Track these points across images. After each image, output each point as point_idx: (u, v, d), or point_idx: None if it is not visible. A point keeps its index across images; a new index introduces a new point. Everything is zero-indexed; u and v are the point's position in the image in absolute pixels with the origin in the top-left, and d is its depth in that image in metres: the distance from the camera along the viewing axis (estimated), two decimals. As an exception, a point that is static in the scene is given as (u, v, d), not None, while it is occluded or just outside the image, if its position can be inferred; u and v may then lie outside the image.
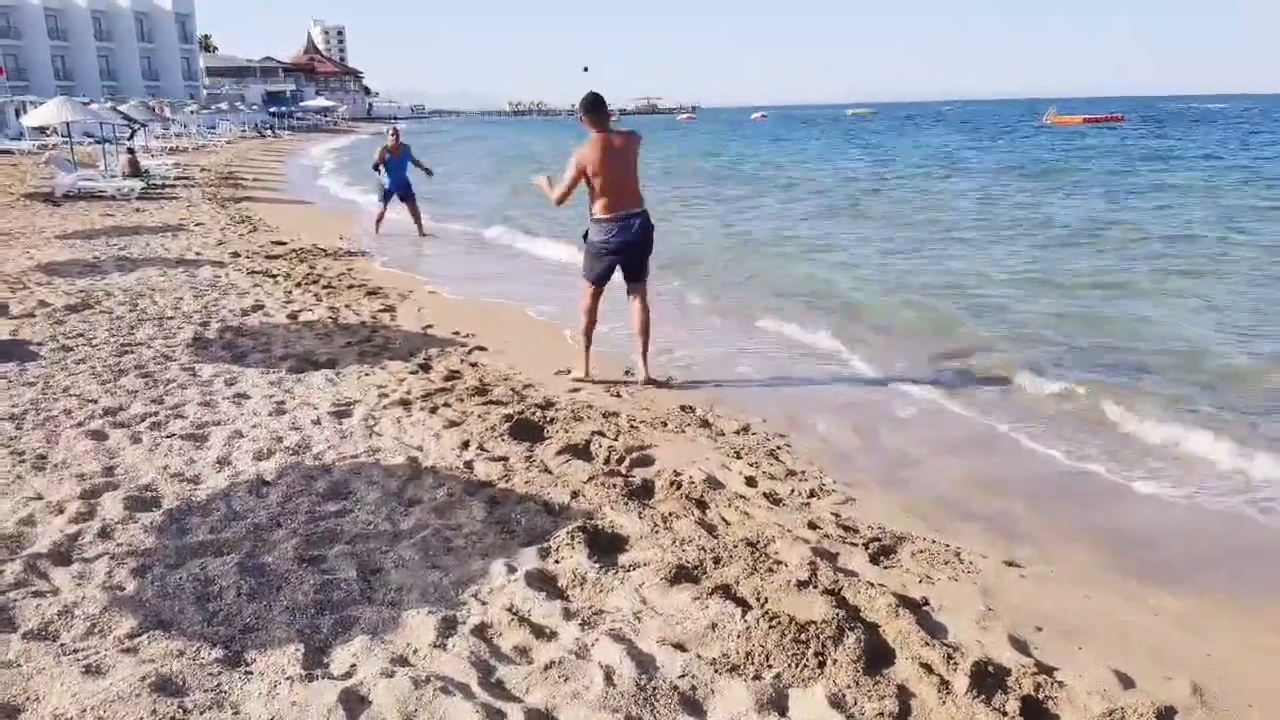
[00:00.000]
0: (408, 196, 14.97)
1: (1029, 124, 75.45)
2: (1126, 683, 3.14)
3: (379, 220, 15.12)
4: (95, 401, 5.91)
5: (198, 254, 12.50)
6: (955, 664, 3.14)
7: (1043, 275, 11.53)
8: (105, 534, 4.01)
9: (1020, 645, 3.36)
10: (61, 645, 3.14)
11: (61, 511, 4.23)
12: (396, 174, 14.77)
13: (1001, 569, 4.00)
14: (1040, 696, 3.02)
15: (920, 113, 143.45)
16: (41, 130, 35.08)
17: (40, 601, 3.40)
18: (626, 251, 6.52)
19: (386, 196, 14.93)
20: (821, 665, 3.11)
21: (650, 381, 6.73)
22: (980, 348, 7.97)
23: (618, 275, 6.65)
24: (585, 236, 6.60)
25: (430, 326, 8.52)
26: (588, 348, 6.82)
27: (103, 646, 3.14)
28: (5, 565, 3.67)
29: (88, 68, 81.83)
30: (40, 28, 79.03)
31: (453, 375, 6.84)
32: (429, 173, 15.40)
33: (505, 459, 5.07)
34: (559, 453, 5.17)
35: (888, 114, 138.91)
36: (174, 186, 23.24)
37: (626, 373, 6.95)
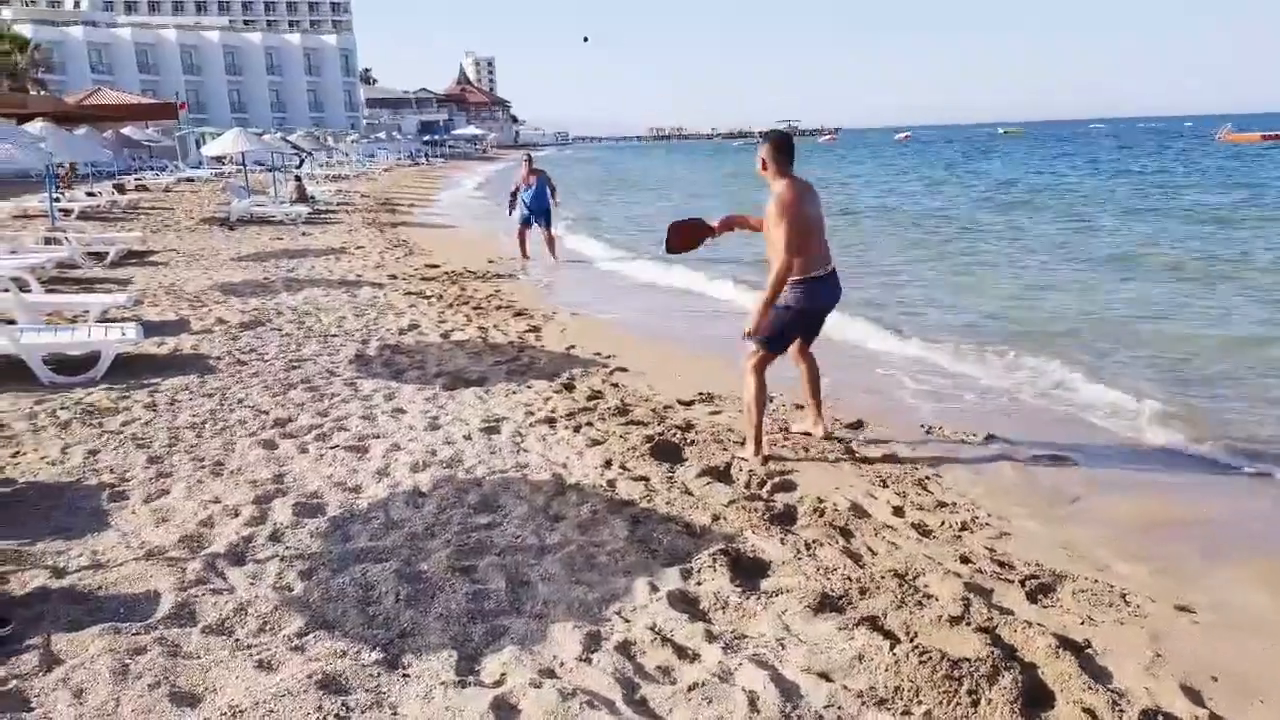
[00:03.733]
0: (544, 223, 15.09)
1: (1191, 142, 71.39)
2: (1314, 742, 2.91)
3: (521, 242, 15.29)
4: (267, 413, 6.29)
5: (358, 276, 13.16)
6: (1121, 711, 2.98)
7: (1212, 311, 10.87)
8: (276, 537, 4.26)
9: (1193, 695, 3.16)
10: (236, 641, 3.35)
11: (237, 515, 4.52)
12: (535, 200, 14.97)
13: (1172, 614, 3.77)
14: (1216, 751, 2.84)
15: (1070, 132, 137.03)
16: (219, 159, 37.70)
17: (218, 599, 3.64)
18: (822, 313, 5.63)
19: (525, 220, 15.13)
20: (975, 704, 3.00)
21: (828, 436, 5.93)
22: (1146, 381, 7.57)
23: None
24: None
25: (573, 347, 8.70)
26: (760, 422, 5.61)
27: (273, 644, 3.33)
28: (187, 563, 3.94)
29: (260, 100, 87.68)
30: (219, 64, 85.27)
31: (595, 395, 6.96)
32: (555, 203, 15.43)
33: (646, 479, 5.12)
34: (700, 475, 5.18)
35: (1034, 133, 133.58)
36: (336, 212, 24.56)
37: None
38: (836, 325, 9.86)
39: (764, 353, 5.54)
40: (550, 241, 15.24)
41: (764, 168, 5.36)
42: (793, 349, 5.76)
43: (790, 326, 5.50)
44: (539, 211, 15.02)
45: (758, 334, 5.45)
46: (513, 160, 78.92)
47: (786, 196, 5.22)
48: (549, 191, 15.10)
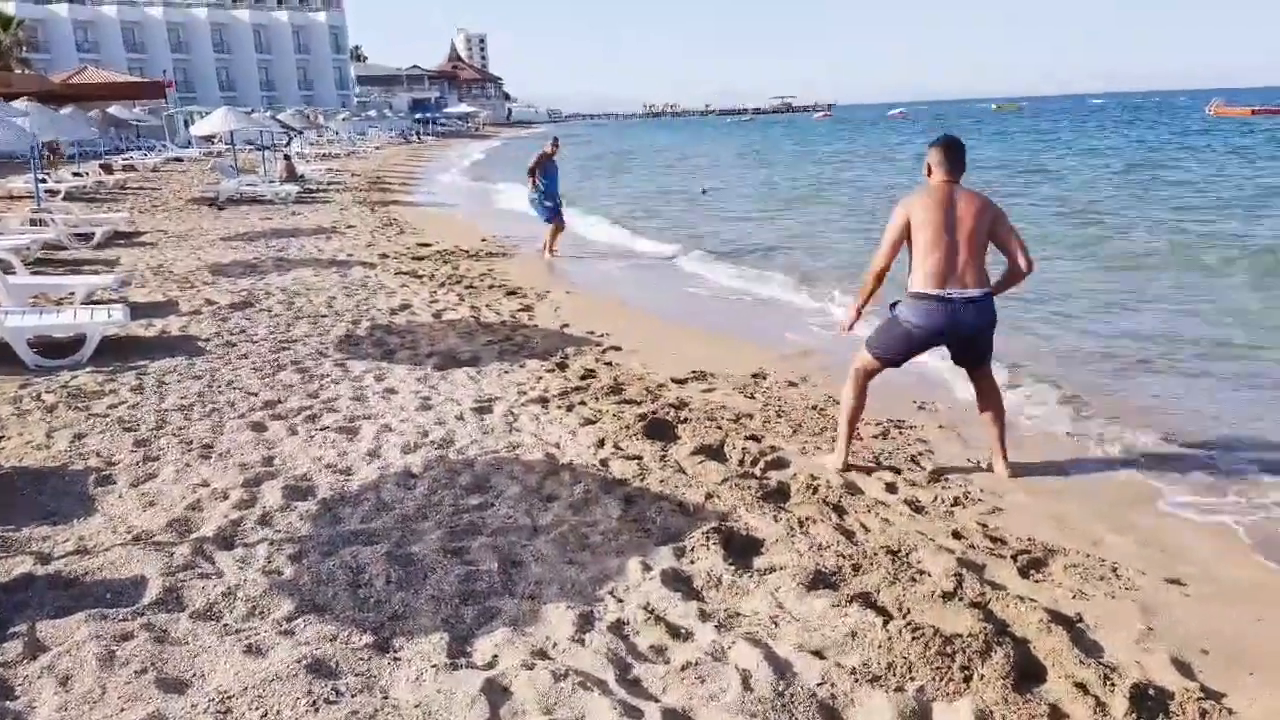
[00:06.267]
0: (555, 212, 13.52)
1: (1182, 116, 71.16)
2: (1306, 715, 2.90)
3: (554, 238, 13.52)
4: (256, 395, 6.25)
5: (349, 255, 13.07)
6: (1113, 685, 2.97)
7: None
8: (265, 521, 4.23)
9: (1184, 668, 3.16)
10: (225, 625, 3.33)
11: (226, 498, 4.49)
12: (551, 184, 13.40)
13: (1163, 586, 3.77)
14: (1207, 725, 2.83)
15: (1057, 108, 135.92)
16: (208, 139, 37.43)
17: (206, 583, 3.61)
18: (956, 339, 4.81)
19: (552, 212, 13.46)
20: (968, 680, 2.99)
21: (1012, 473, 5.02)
22: (1145, 361, 7.56)
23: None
24: (892, 306, 4.91)
25: (566, 326, 8.66)
26: (851, 432, 5.13)
27: (262, 628, 3.30)
28: (175, 548, 3.91)
29: (249, 79, 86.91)
30: (207, 42, 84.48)
31: (588, 374, 6.93)
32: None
33: (639, 458, 5.09)
34: (693, 453, 5.16)
35: (1033, 108, 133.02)
36: (327, 191, 24.40)
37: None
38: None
39: (869, 359, 4.95)
40: (554, 232, 13.61)
41: (928, 172, 4.78)
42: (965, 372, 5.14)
43: (899, 343, 4.82)
44: (557, 197, 13.49)
45: (871, 341, 4.95)
46: (506, 138, 78.52)
47: (915, 196, 4.70)
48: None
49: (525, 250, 14.01)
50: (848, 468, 5.04)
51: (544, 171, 13.33)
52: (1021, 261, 4.69)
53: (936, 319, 4.63)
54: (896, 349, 4.85)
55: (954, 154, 4.71)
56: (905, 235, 4.67)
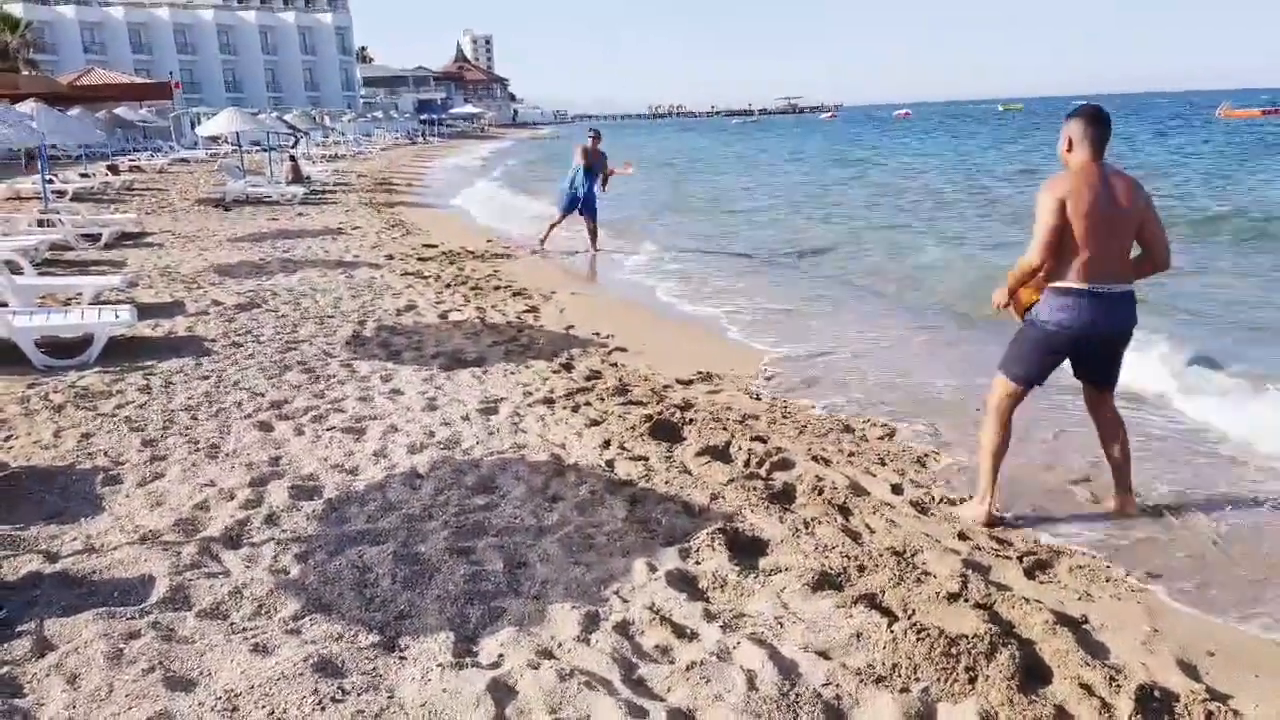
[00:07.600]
0: (589, 211, 13.84)
1: (1187, 118, 70.92)
2: (1313, 717, 2.90)
3: (551, 229, 14.11)
4: (262, 395, 6.26)
5: (355, 256, 13.09)
6: (1118, 686, 2.98)
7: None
8: (271, 520, 4.24)
9: (1190, 669, 3.16)
10: (231, 624, 3.34)
11: (232, 498, 4.50)
12: (588, 188, 13.69)
13: (1170, 588, 3.76)
14: (1213, 726, 2.83)
15: (1046, 110, 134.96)
16: (214, 139, 37.53)
17: (213, 582, 3.63)
18: (1098, 343, 4.25)
19: (569, 208, 13.85)
20: (973, 681, 2.99)
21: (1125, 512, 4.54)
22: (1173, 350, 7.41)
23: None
24: (1027, 317, 4.37)
25: (572, 327, 8.66)
26: (996, 474, 4.44)
27: (269, 627, 3.32)
28: (182, 547, 3.92)
29: (255, 80, 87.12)
30: (213, 43, 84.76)
31: (593, 375, 6.93)
32: (604, 185, 14.00)
33: (645, 459, 5.10)
34: (699, 454, 5.16)
35: (1033, 109, 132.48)
36: (333, 192, 24.43)
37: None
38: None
39: (1008, 383, 4.38)
40: (594, 232, 13.98)
41: (1069, 148, 4.18)
42: (1085, 398, 4.59)
43: (1038, 351, 4.27)
44: (589, 200, 13.76)
45: (1004, 365, 4.42)
46: (512, 139, 78.58)
47: (1065, 181, 4.09)
48: (602, 180, 13.87)
49: (529, 251, 14.02)
50: (994, 520, 4.41)
51: (588, 170, 13.66)
52: (1165, 256, 4.25)
53: (1083, 316, 4.11)
54: (1036, 361, 4.30)
55: (1101, 127, 4.15)
56: (1063, 227, 4.05)
